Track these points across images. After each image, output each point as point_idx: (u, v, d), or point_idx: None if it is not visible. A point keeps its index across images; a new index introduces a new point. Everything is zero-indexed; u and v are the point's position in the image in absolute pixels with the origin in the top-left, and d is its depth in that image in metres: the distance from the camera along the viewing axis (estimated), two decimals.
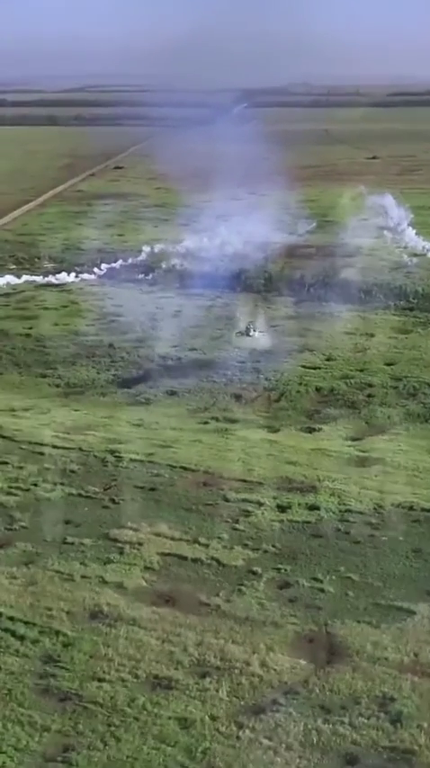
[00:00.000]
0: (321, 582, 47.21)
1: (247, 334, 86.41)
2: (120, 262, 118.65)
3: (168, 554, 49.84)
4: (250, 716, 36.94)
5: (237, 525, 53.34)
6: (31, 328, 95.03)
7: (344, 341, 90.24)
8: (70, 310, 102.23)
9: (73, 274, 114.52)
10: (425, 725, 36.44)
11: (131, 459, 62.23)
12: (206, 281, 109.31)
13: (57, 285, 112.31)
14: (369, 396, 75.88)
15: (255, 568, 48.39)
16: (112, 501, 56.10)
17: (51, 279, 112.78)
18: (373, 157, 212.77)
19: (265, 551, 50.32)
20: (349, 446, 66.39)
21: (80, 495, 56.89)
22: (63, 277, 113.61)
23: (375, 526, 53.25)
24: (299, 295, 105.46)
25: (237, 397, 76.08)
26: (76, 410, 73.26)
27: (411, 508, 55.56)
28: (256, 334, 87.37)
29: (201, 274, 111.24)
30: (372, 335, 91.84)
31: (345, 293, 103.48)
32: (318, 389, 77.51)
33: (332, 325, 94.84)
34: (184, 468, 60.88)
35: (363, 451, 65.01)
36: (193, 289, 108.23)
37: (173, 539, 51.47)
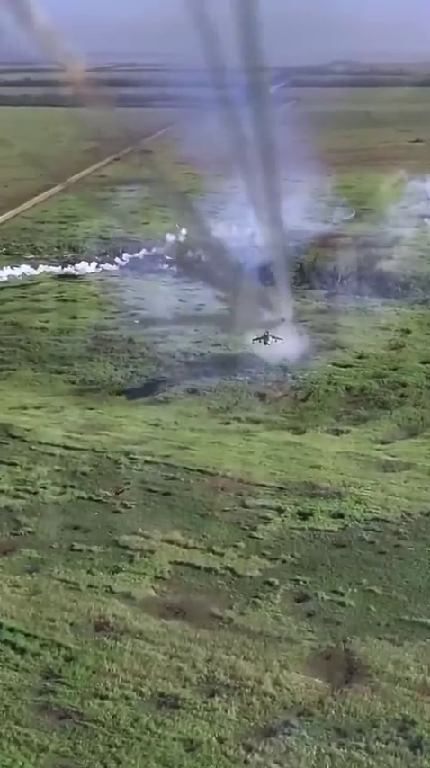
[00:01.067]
0: (342, 595, 46.82)
1: (265, 342, 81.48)
2: (143, 251, 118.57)
3: (180, 563, 49.71)
4: (260, 738, 36.69)
5: (254, 533, 53.07)
6: (47, 321, 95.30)
7: (377, 337, 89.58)
8: (89, 303, 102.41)
9: (94, 264, 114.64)
10: None
11: (146, 462, 62.20)
12: (233, 273, 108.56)
13: (76, 276, 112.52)
14: (402, 396, 75.28)
15: (271, 579, 48.10)
16: (124, 505, 56.11)
17: (70, 269, 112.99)
18: (417, 140, 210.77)
19: (284, 561, 50.01)
20: (378, 449, 65.89)
21: (90, 498, 56.94)
22: (83, 267, 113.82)
23: (402, 536, 52.71)
24: (331, 288, 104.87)
25: (262, 397, 75.84)
26: (90, 408, 73.44)
27: None
28: (277, 341, 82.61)
29: (230, 266, 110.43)
30: (408, 332, 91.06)
31: (381, 286, 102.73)
32: (347, 389, 77.00)
33: (365, 321, 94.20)
34: (202, 472, 60.71)
35: (393, 456, 64.44)
36: (220, 280, 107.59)
37: (186, 547, 51.31)
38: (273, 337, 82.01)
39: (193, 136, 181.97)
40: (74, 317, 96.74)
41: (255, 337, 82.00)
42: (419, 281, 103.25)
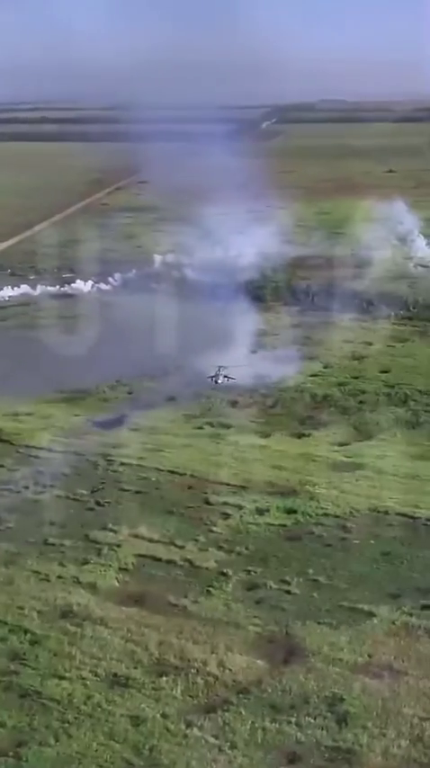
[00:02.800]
0: (289, 584, 46.84)
1: (215, 382, 76.65)
2: (134, 272, 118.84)
3: (144, 555, 49.79)
4: (200, 714, 36.70)
5: (214, 528, 53.12)
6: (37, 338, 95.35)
7: (343, 349, 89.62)
8: (82, 318, 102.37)
9: (89, 284, 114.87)
10: (370, 725, 35.95)
11: (122, 463, 62.25)
12: (217, 291, 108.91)
13: (72, 295, 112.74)
14: (361, 402, 75.30)
15: (226, 570, 48.13)
16: (98, 503, 56.09)
17: (67, 288, 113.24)
18: (390, 171, 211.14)
19: (238, 554, 50.03)
20: (335, 451, 65.89)
21: (68, 497, 56.96)
22: (79, 287, 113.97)
23: (348, 530, 52.74)
24: (303, 304, 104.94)
25: (234, 404, 75.78)
26: (76, 415, 73.38)
27: (386, 513, 54.99)
28: (227, 380, 76.67)
29: (212, 284, 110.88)
30: (371, 344, 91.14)
31: (349, 303, 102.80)
32: (312, 396, 76.99)
33: (333, 334, 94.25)
34: (172, 472, 60.79)
35: (348, 457, 64.49)
36: (203, 298, 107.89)
37: (150, 540, 51.38)
38: (225, 376, 76.95)
39: (186, 168, 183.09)
40: (68, 332, 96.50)
41: (209, 375, 77.12)
42: (383, 297, 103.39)
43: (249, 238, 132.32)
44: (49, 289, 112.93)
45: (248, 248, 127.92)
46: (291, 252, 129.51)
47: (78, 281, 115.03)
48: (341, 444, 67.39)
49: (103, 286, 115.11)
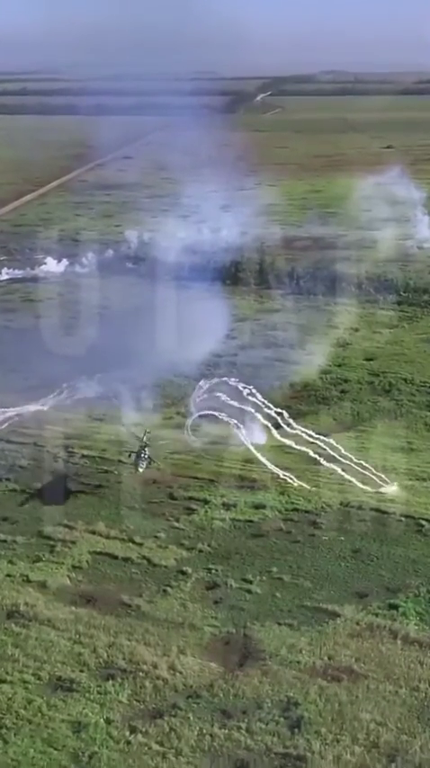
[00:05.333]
0: (250, 583, 46.90)
1: (136, 467, 58.16)
2: (111, 253, 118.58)
3: (99, 553, 49.80)
4: (146, 720, 36.77)
5: (176, 524, 53.12)
6: (11, 321, 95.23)
7: (326, 335, 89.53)
8: (55, 302, 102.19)
9: (63, 265, 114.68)
10: (324, 731, 36.05)
11: (83, 456, 62.14)
12: (197, 274, 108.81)
13: (45, 277, 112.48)
14: (342, 392, 75.37)
15: (185, 568, 48.16)
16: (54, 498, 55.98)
17: (41, 270, 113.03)
18: (388, 147, 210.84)
19: (200, 551, 50.05)
20: (312, 443, 65.65)
21: (23, 491, 56.89)
22: (53, 268, 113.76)
23: (318, 525, 52.78)
24: (288, 288, 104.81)
25: (206, 393, 75.46)
26: (41, 405, 73.04)
27: (360, 508, 55.03)
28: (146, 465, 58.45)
29: (193, 266, 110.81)
30: (357, 330, 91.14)
31: (335, 286, 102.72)
32: (291, 385, 76.87)
33: (316, 319, 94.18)
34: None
35: (324, 449, 64.22)
36: (182, 281, 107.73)
37: (107, 537, 51.37)
38: (149, 460, 58.88)
39: (173, 143, 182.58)
40: (38, 317, 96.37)
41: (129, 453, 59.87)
42: (372, 281, 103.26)
43: (235, 218, 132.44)
44: (17, 271, 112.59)
45: (233, 228, 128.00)
46: (277, 232, 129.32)
47: (50, 262, 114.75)
48: (318, 435, 67.18)
49: (76, 268, 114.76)
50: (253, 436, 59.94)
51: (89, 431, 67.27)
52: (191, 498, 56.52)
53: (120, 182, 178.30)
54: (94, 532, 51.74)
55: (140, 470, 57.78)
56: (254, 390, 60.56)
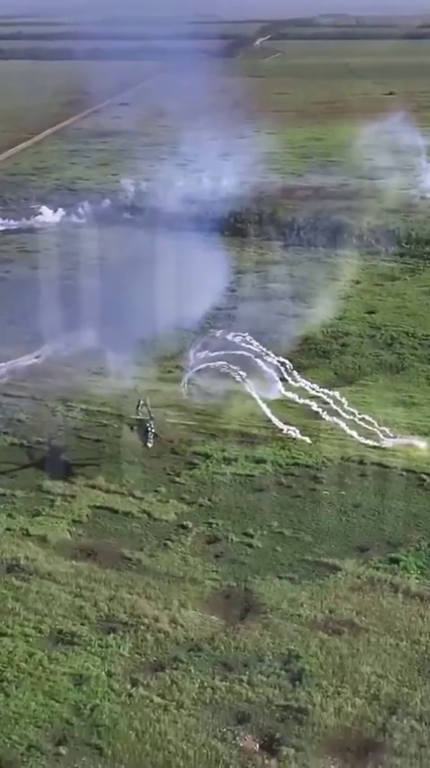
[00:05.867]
0: (251, 537, 47.33)
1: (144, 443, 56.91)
2: (108, 202, 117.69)
3: (100, 507, 50.14)
4: (148, 673, 37.32)
5: (177, 478, 53.44)
6: (8, 272, 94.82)
7: (327, 287, 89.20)
8: (51, 254, 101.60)
9: (59, 215, 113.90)
10: (325, 683, 36.64)
11: (82, 410, 62.27)
12: (195, 224, 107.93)
13: (42, 228, 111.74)
14: (343, 345, 75.39)
15: (185, 523, 48.55)
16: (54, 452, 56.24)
17: (37, 221, 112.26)
18: (390, 93, 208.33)
19: (200, 505, 50.42)
20: (313, 397, 65.78)
21: (22, 445, 57.12)
22: (49, 219, 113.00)
23: (319, 480, 53.10)
24: (288, 239, 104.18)
25: (206, 346, 75.39)
26: (38, 357, 73.06)
27: (361, 462, 55.34)
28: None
29: (191, 216, 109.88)
30: (358, 282, 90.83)
31: (337, 237, 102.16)
32: (291, 338, 76.75)
33: (317, 271, 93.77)
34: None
35: (325, 403, 64.37)
36: (181, 231, 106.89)
37: (107, 491, 51.71)
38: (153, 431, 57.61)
39: (171, 89, 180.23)
40: (34, 268, 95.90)
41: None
42: (374, 232, 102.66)
43: (233, 166, 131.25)
44: (13, 222, 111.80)
45: (232, 177, 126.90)
46: (277, 181, 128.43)
47: (46, 212, 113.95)
48: (320, 389, 67.27)
49: (72, 218, 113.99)
50: (257, 389, 59.91)
51: (88, 384, 67.28)
52: (193, 453, 56.76)
53: (116, 129, 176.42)
54: (93, 487, 52.07)
55: (150, 446, 56.42)
56: (256, 342, 60.37)
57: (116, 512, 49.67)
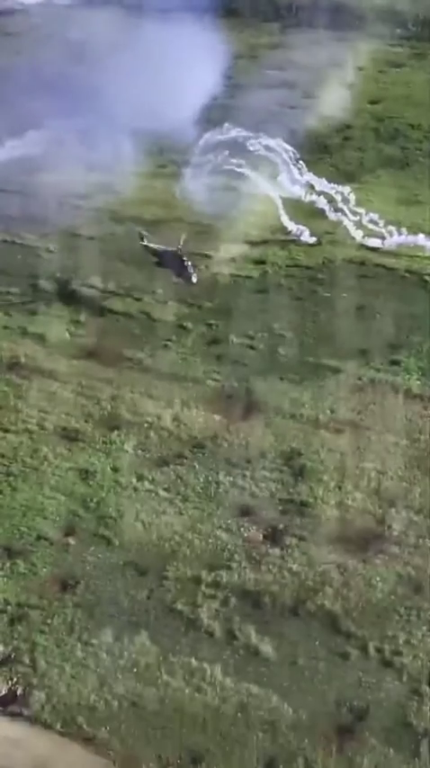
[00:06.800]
0: (252, 339, 48.20)
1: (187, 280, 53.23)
2: None
3: (99, 307, 50.50)
4: (153, 469, 39.07)
5: (175, 278, 53.43)
6: None
7: (328, 74, 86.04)
8: (33, 37, 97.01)
9: None
10: (326, 478, 38.52)
11: (76, 206, 61.46)
12: (187, 4, 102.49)
13: (23, 9, 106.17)
14: (345, 138, 73.81)
15: (185, 324, 49.32)
16: (47, 250, 56.13)
17: (16, 1, 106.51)
18: None
19: (200, 307, 50.99)
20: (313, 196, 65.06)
21: (14, 242, 56.88)
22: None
23: (320, 281, 53.44)
24: (286, 20, 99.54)
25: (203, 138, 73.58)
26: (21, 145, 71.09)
27: (362, 263, 55.50)
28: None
29: None
30: (361, 69, 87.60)
31: (338, 19, 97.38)
32: (290, 131, 74.60)
33: (317, 57, 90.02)
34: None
35: (330, 201, 63.65)
36: (172, 13, 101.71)
37: (104, 291, 51.99)
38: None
39: None
40: (18, 53, 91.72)
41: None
42: (378, 12, 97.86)
43: None
44: None
45: None
46: None
47: None
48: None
49: None
50: (260, 185, 58.94)
51: (79, 177, 65.95)
52: (191, 253, 56.27)
53: None
54: (91, 287, 52.33)
55: (194, 280, 52.38)
56: (258, 135, 58.91)
57: (115, 312, 50.15)
